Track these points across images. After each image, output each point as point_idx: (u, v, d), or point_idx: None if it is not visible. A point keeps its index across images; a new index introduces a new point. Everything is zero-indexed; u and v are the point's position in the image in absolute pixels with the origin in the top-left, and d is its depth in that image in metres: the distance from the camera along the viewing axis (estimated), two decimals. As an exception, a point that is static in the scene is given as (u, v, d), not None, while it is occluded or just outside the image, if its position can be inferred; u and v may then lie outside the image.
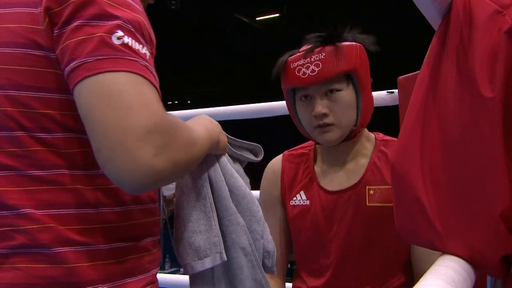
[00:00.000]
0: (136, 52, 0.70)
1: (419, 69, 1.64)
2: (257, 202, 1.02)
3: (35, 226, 0.71)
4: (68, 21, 0.69)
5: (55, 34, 0.71)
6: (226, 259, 0.94)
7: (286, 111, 1.39)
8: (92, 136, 0.67)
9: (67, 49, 0.69)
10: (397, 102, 1.80)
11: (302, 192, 1.33)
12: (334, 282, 1.25)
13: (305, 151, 1.39)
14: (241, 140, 1.09)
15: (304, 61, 1.19)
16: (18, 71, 0.72)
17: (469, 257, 0.71)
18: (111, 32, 0.69)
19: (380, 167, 1.25)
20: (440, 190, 0.75)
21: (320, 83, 1.20)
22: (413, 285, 1.25)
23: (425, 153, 0.78)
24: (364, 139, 1.31)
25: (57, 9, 0.70)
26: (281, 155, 1.43)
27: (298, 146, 1.43)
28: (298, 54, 1.22)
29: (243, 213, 0.98)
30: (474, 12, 0.73)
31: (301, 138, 1.40)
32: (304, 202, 1.31)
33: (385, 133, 1.37)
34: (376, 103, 1.77)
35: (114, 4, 0.71)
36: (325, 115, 1.20)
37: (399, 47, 6.36)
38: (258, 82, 6.21)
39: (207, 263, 0.92)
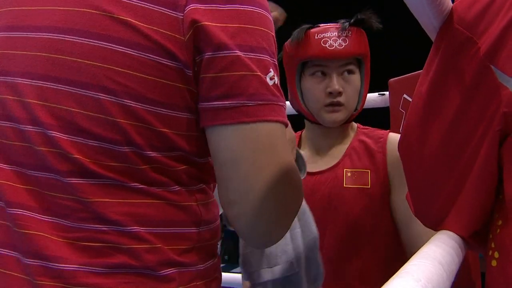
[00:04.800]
0: (281, 93, 0.65)
1: (409, 72, 1.71)
2: (313, 221, 0.95)
3: (142, 246, 0.62)
4: (224, 47, 0.60)
5: (206, 56, 0.60)
6: (298, 269, 0.85)
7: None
8: (229, 184, 0.62)
9: (225, 82, 0.60)
10: (388, 104, 1.86)
11: None
12: None
13: None
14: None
15: (331, 34, 1.22)
16: (141, 80, 0.59)
17: (461, 232, 0.78)
18: (266, 71, 0.63)
19: (359, 152, 1.29)
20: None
21: (345, 58, 1.23)
22: (392, 265, 1.30)
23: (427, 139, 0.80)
24: (349, 127, 1.35)
25: (204, 23, 0.60)
26: None
27: None
28: (324, 27, 1.25)
29: (301, 228, 0.91)
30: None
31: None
32: None
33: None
34: (368, 104, 1.83)
35: (262, 28, 0.64)
36: (340, 93, 1.23)
37: (390, 50, 6.43)
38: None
39: (277, 272, 0.82)
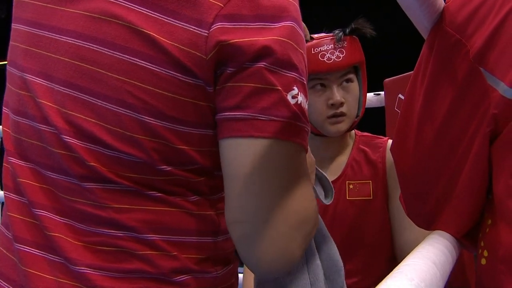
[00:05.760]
0: (304, 114, 0.61)
1: (404, 72, 1.72)
2: (337, 249, 0.90)
3: (158, 253, 0.61)
4: (249, 59, 0.57)
5: (229, 71, 0.57)
6: None
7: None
8: (235, 201, 0.59)
9: (239, 92, 0.57)
10: (383, 104, 1.86)
11: None
12: None
13: None
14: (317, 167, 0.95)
15: (327, 46, 1.22)
16: (161, 96, 0.57)
17: (453, 231, 0.79)
18: (289, 88, 0.58)
19: (360, 163, 1.30)
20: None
21: (344, 69, 1.23)
22: (392, 263, 1.28)
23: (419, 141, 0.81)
24: (348, 135, 1.35)
25: (231, 41, 0.56)
26: None
27: None
28: (319, 40, 1.24)
29: (323, 260, 0.86)
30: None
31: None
32: None
33: (372, 133, 1.42)
34: (364, 104, 1.84)
35: (296, 46, 0.60)
36: (342, 104, 1.23)
37: (386, 50, 6.44)
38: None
39: None
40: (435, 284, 0.55)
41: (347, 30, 1.24)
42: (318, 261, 0.83)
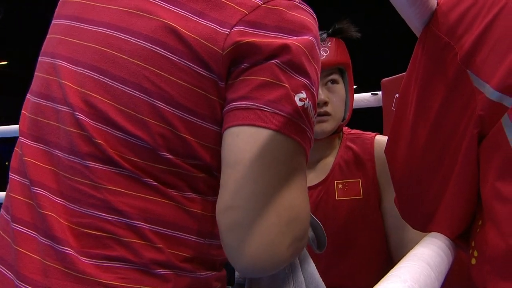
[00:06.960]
0: (309, 120, 0.63)
1: (402, 72, 1.72)
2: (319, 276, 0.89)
3: (143, 243, 0.61)
4: (263, 57, 0.61)
5: (243, 66, 0.61)
6: None
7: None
8: (231, 186, 0.59)
9: (248, 85, 0.60)
10: (380, 104, 1.86)
11: None
12: None
13: None
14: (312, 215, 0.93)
15: None
16: (176, 85, 0.61)
17: (447, 233, 0.79)
18: (297, 90, 0.61)
19: (348, 161, 1.28)
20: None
21: (327, 67, 1.23)
22: (382, 266, 1.25)
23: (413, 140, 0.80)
24: (336, 137, 1.34)
25: (249, 40, 0.60)
26: None
27: None
28: None
29: (306, 278, 0.84)
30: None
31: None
32: None
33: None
34: (361, 104, 1.84)
35: (310, 58, 0.63)
36: (326, 103, 1.22)
37: (383, 50, 6.45)
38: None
39: None
40: (429, 286, 0.55)
41: (331, 31, 1.25)
42: (302, 278, 0.83)
